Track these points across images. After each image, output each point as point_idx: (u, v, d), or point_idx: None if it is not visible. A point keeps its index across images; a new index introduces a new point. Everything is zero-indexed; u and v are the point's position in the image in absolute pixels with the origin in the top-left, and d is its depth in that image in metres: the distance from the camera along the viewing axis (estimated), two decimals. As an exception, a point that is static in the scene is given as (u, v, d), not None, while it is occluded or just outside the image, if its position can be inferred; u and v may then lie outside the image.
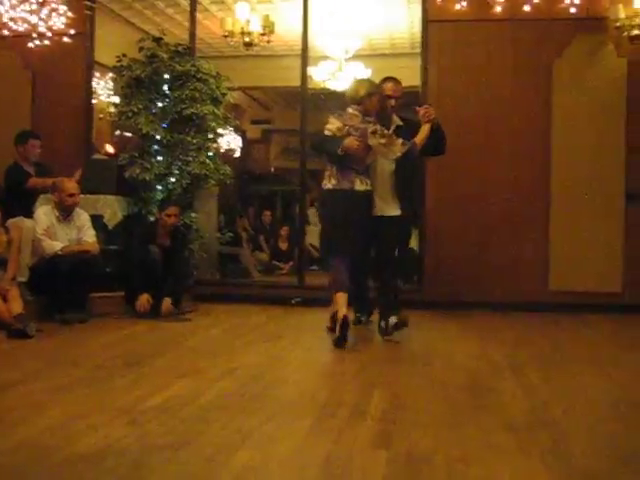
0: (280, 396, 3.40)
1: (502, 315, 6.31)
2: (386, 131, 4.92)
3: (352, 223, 4.95)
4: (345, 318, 4.54)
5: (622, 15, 6.49)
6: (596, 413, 3.23)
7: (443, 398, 3.45)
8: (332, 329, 5.15)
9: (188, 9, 7.59)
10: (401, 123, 5.19)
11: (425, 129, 4.94)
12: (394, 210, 5.09)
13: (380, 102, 5.06)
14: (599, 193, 6.71)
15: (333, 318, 5.12)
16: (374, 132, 4.87)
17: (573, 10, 6.65)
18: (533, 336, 5.44)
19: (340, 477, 2.38)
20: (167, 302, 5.89)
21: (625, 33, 6.54)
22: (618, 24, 6.53)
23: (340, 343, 4.55)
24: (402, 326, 4.89)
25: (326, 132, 5.00)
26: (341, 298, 4.73)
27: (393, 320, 4.90)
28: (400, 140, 4.87)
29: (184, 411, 3.08)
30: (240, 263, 8.72)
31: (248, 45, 7.17)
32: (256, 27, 7.15)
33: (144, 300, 5.83)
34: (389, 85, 5.22)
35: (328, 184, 5.03)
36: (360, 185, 4.96)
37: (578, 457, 2.59)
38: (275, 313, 6.37)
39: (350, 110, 4.99)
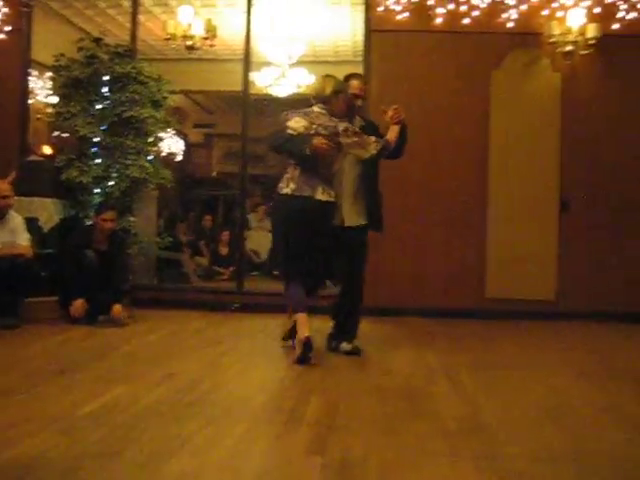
0: (218, 402, 3.38)
1: (440, 322, 6.41)
2: (357, 129, 4.62)
3: (307, 237, 4.52)
4: (307, 339, 4.29)
5: (556, 32, 6.71)
6: (529, 417, 3.31)
7: (379, 404, 3.48)
8: (289, 338, 4.91)
9: (130, 10, 7.49)
10: (363, 123, 4.87)
11: (395, 130, 4.64)
12: (362, 219, 4.83)
13: (347, 102, 4.70)
14: (534, 201, 6.90)
15: (291, 331, 4.77)
16: (345, 130, 4.54)
17: (510, 25, 6.85)
18: (470, 343, 5.55)
19: (276, 483, 2.38)
20: (118, 308, 5.77)
21: (559, 49, 6.77)
22: (552, 40, 6.75)
23: (302, 362, 4.31)
24: (354, 355, 4.71)
25: (289, 131, 4.54)
26: (302, 318, 4.40)
27: (346, 347, 4.77)
28: (373, 138, 4.60)
29: (119, 418, 3.03)
30: (181, 268, 8.63)
31: (190, 49, 7.13)
32: (199, 31, 7.11)
33: (79, 305, 5.70)
34: (355, 83, 4.89)
35: (285, 188, 4.54)
36: (322, 194, 4.51)
37: (510, 461, 2.65)
38: (214, 319, 6.33)
39: (316, 109, 4.61)
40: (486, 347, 5.33)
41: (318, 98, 4.68)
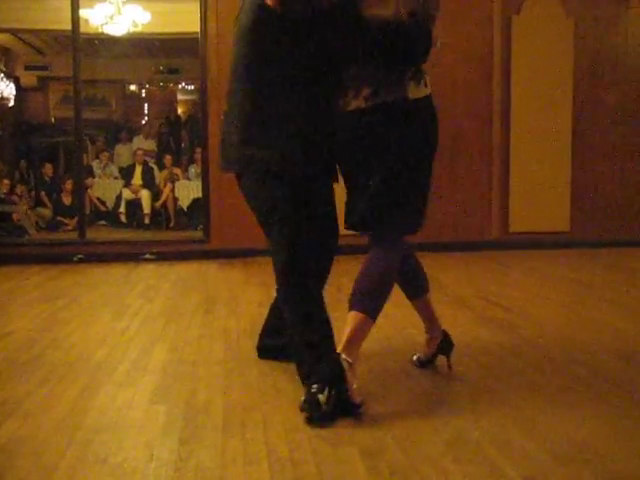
0: (55, 360, 3.24)
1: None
2: None
3: None
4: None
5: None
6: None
7: (226, 346, 3.49)
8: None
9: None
10: None
11: None
12: None
13: None
14: (549, 134, 7.09)
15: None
16: None
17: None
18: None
19: (115, 434, 2.34)
20: None
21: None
22: None
23: None
24: None
25: None
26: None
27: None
28: None
29: (-55, 385, 2.85)
30: (18, 220, 8.17)
31: (10, -17, 6.57)
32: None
33: None
34: None
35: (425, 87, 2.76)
36: None
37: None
38: (55, 272, 6.02)
39: None
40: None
41: None
